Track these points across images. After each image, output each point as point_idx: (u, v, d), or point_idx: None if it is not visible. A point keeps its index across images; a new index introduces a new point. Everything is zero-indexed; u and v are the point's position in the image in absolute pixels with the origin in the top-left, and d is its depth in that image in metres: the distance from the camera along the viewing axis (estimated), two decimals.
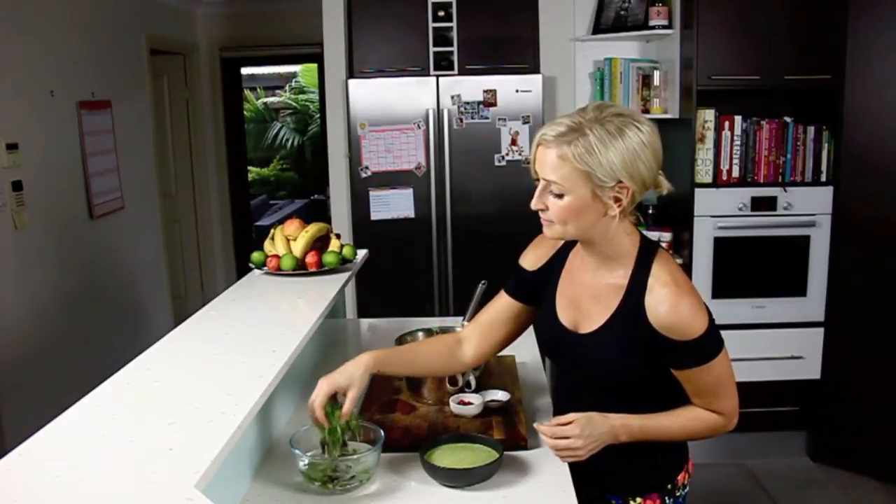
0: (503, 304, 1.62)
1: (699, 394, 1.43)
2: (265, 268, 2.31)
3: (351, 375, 1.44)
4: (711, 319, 1.38)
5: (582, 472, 1.51)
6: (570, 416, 1.40)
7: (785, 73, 3.22)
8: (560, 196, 1.35)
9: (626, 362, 1.41)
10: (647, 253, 1.42)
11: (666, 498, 1.53)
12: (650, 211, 3.68)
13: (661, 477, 1.54)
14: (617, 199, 1.34)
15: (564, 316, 1.50)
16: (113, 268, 4.11)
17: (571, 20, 3.75)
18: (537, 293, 1.58)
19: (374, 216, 3.55)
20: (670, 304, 1.35)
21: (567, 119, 1.35)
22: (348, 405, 1.42)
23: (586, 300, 1.47)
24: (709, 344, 1.37)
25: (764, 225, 3.33)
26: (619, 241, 1.42)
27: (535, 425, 1.45)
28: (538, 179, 1.38)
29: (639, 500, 1.53)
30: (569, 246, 1.55)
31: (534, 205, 1.39)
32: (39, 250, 3.41)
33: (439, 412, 1.73)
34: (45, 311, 3.42)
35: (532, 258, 1.60)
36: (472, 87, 3.48)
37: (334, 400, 1.44)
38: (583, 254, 1.49)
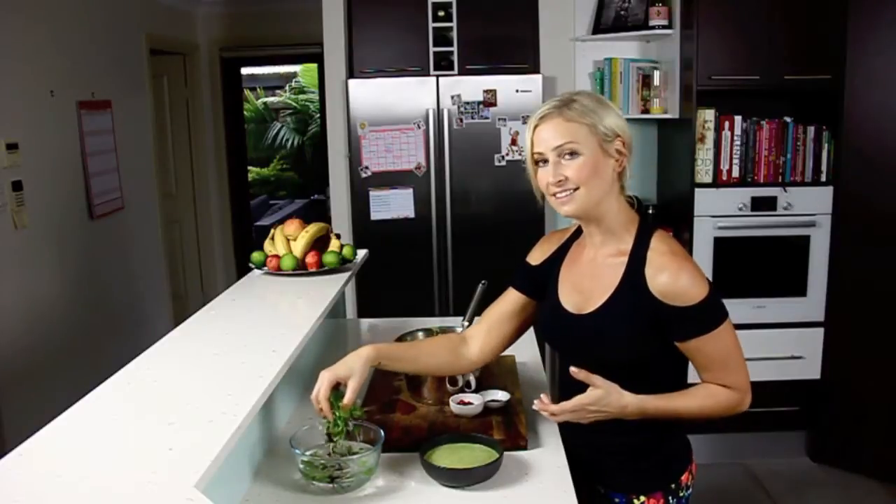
0: (509, 299, 1.66)
1: (709, 367, 1.44)
2: (265, 268, 2.31)
3: (351, 366, 1.47)
4: (713, 287, 1.41)
5: (585, 470, 1.52)
6: (597, 379, 1.41)
7: (785, 73, 3.23)
8: (575, 155, 1.41)
9: (630, 338, 1.43)
10: (645, 230, 1.48)
11: (670, 498, 1.53)
12: (650, 211, 3.68)
13: (665, 476, 1.54)
14: (620, 153, 1.44)
15: (567, 301, 1.53)
16: (113, 268, 4.11)
17: (571, 20, 3.75)
18: (542, 286, 1.61)
19: (374, 216, 3.54)
20: (670, 272, 1.39)
21: (551, 100, 1.46)
22: (349, 395, 1.44)
23: (588, 281, 1.51)
24: (712, 309, 1.40)
25: (764, 225, 3.33)
26: (621, 215, 1.48)
27: (538, 400, 1.44)
28: (543, 161, 1.44)
29: (643, 498, 1.53)
30: (572, 238, 1.61)
31: (553, 178, 1.43)
32: (39, 250, 3.40)
33: (439, 412, 1.73)
34: (45, 311, 3.42)
35: (538, 254, 1.66)
36: (472, 87, 3.48)
37: (337, 391, 1.46)
38: (585, 236, 1.55)
